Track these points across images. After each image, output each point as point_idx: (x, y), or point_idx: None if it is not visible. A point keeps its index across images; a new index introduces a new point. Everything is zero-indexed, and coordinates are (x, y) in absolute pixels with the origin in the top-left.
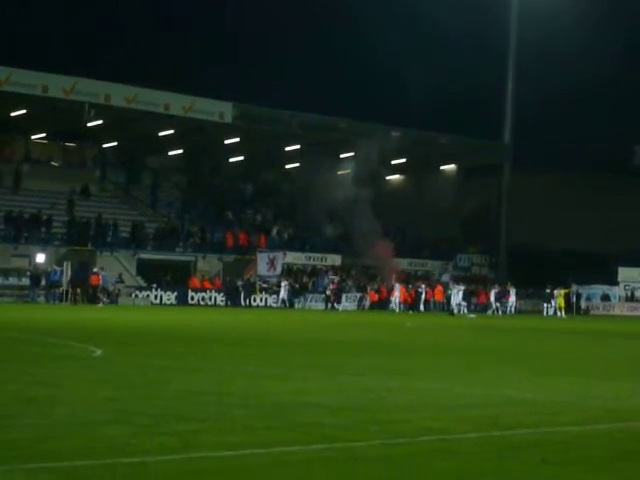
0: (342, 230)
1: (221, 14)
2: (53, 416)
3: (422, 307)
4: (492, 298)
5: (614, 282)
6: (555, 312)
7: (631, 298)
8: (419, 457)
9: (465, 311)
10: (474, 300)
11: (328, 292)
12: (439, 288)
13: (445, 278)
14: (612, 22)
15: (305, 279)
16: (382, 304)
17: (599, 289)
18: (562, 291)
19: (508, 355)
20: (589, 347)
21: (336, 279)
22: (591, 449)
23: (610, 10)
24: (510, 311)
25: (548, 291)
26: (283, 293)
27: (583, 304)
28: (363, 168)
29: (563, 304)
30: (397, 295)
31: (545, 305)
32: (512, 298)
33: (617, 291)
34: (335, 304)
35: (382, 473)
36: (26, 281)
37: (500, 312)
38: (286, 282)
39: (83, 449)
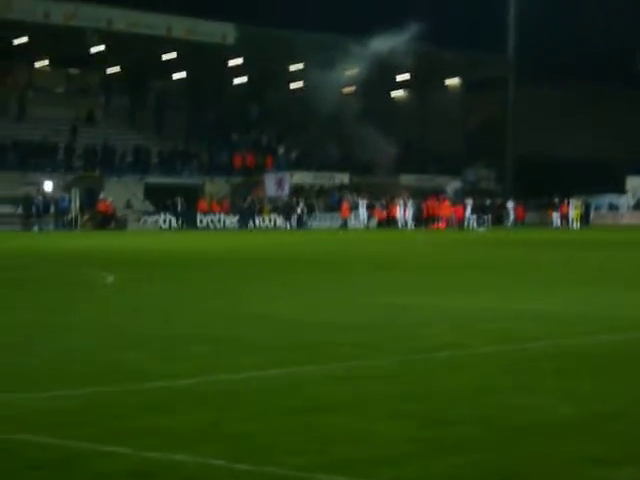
0: (349, 148)
1: None
2: (69, 343)
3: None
4: (468, 213)
5: (622, 191)
6: (562, 222)
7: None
8: (435, 372)
9: (475, 225)
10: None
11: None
12: (446, 203)
13: (450, 192)
14: None
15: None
16: (390, 222)
17: (607, 199)
18: (578, 202)
19: (520, 268)
20: (598, 258)
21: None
22: (603, 358)
23: None
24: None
25: (557, 200)
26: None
27: (592, 214)
28: (368, 84)
29: (578, 216)
30: (406, 212)
31: (554, 215)
32: (511, 211)
33: (625, 200)
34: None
35: (398, 389)
36: (34, 209)
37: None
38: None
39: (102, 375)
